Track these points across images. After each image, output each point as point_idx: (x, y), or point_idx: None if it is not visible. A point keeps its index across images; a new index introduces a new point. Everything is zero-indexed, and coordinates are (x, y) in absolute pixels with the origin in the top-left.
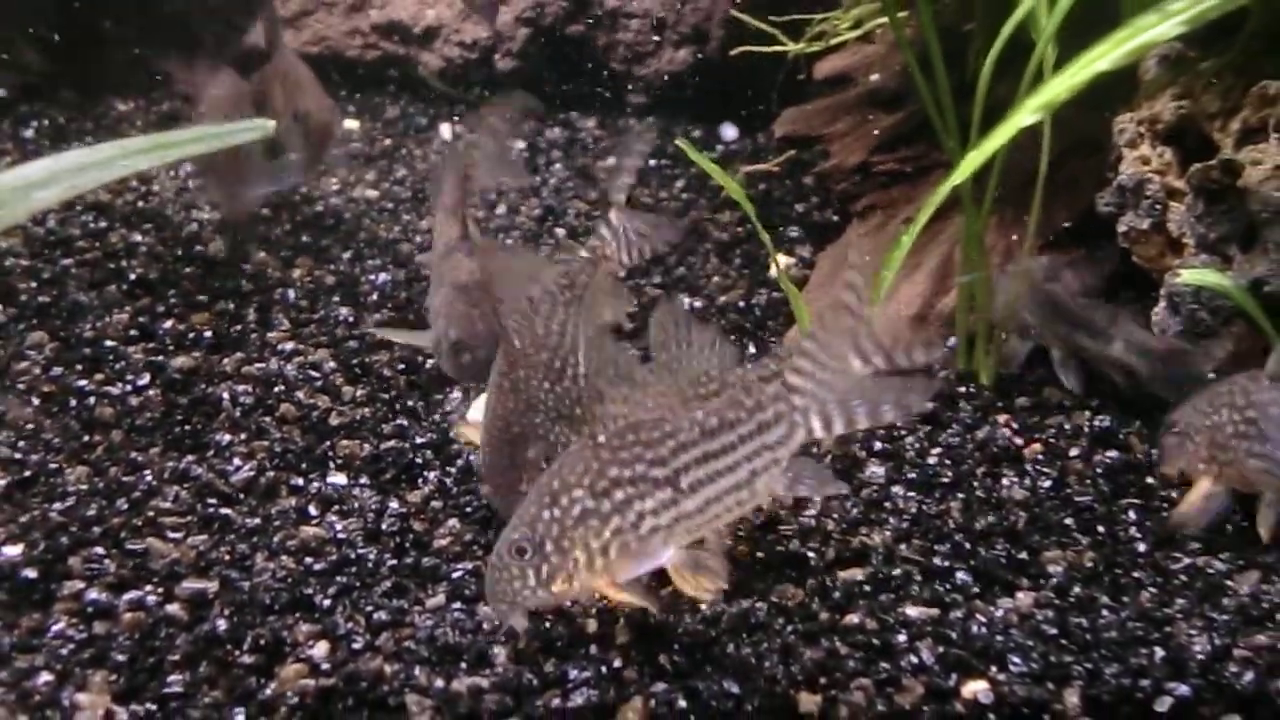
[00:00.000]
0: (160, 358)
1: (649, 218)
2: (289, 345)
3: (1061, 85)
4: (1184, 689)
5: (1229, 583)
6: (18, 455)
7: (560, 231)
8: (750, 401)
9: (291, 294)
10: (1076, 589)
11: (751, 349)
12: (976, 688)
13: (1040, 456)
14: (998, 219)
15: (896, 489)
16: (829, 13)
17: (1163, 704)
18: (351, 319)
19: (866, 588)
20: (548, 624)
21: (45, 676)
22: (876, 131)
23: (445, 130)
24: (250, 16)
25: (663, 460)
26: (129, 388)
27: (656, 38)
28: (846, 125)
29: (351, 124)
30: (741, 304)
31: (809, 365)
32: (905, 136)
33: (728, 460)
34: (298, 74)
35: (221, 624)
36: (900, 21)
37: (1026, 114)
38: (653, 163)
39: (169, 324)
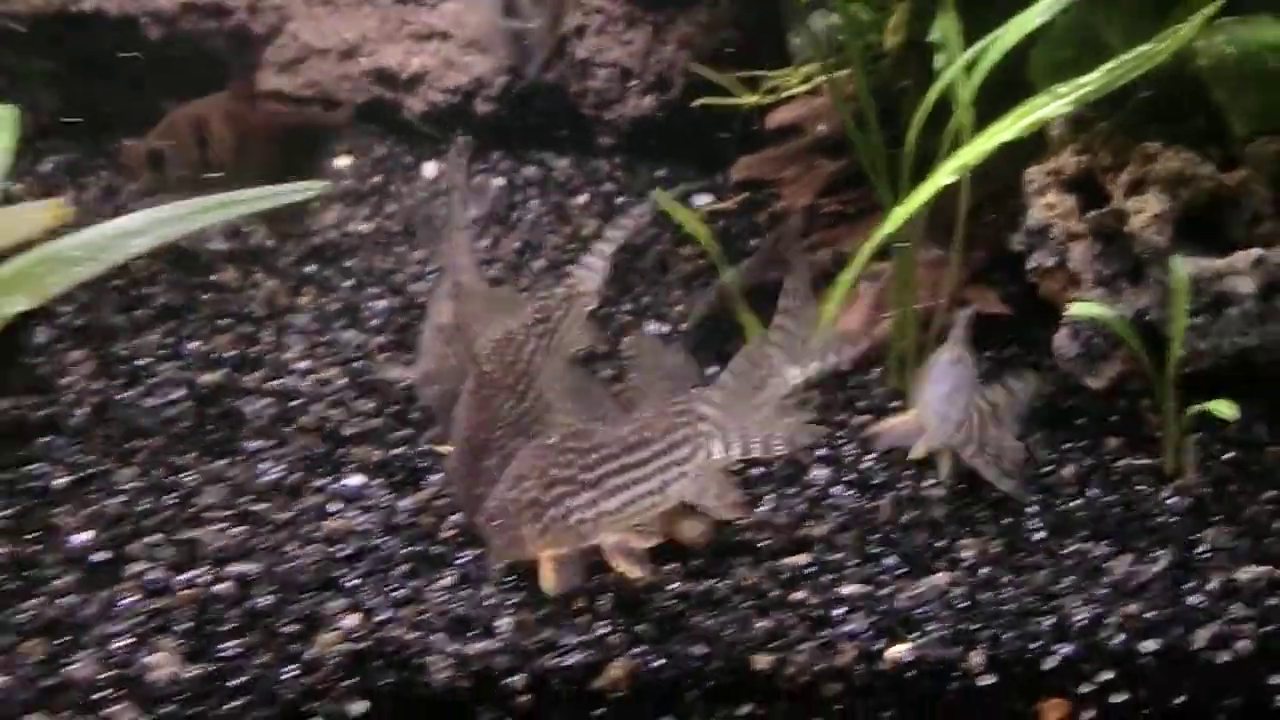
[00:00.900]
0: (189, 374)
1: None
2: (304, 364)
3: (972, 152)
4: (1067, 649)
5: (1107, 564)
6: (72, 458)
7: (538, 264)
8: (664, 424)
9: (302, 319)
10: (984, 570)
11: (714, 367)
12: (900, 649)
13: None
14: (924, 257)
15: (836, 489)
16: (779, 70)
17: (1050, 662)
18: (357, 342)
19: (810, 570)
20: (541, 603)
21: (122, 641)
22: (823, 177)
23: (429, 168)
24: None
25: (590, 467)
26: (164, 400)
27: (624, 85)
28: (796, 171)
29: (343, 162)
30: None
31: (718, 399)
32: (848, 181)
33: (643, 471)
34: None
35: (265, 600)
36: (840, 81)
37: (944, 175)
38: (620, 200)
39: (194, 345)
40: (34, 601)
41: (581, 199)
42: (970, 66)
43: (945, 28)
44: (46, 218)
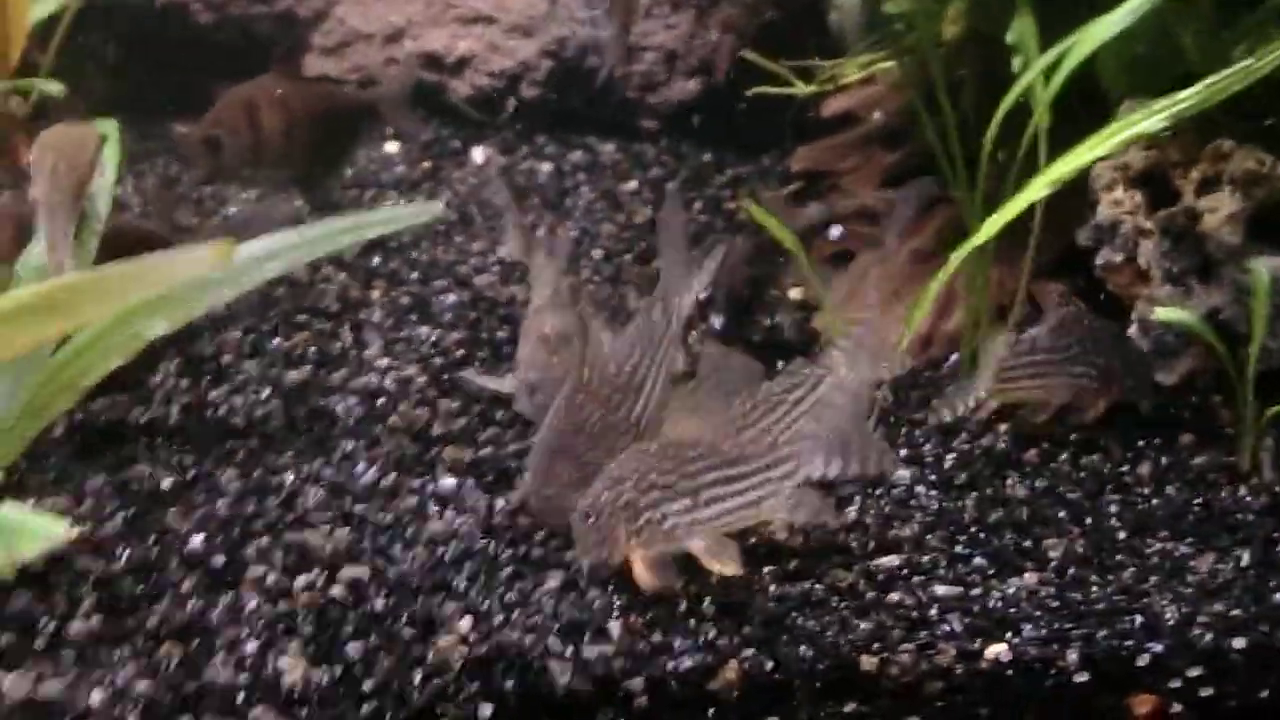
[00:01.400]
0: (274, 371)
1: None
2: (383, 361)
3: (1067, 166)
4: (1158, 647)
5: (1191, 562)
6: (174, 459)
7: (596, 252)
8: (768, 440)
9: (376, 314)
10: (1071, 570)
11: (779, 365)
12: (997, 649)
13: (1036, 460)
14: (994, 252)
15: (920, 489)
16: (825, 53)
17: (1143, 660)
18: (433, 339)
19: (903, 571)
20: (645, 607)
21: (251, 644)
22: (883, 168)
23: (477, 154)
24: (298, 44)
25: (690, 475)
26: (253, 399)
27: (669, 69)
28: (854, 162)
29: (391, 147)
30: (767, 322)
31: (825, 418)
32: (909, 172)
33: (742, 484)
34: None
35: (380, 603)
36: (894, 68)
37: (1038, 189)
38: (670, 186)
39: (276, 341)
40: (163, 605)
41: (631, 184)
42: (1048, 70)
43: (1023, 29)
44: (210, 259)
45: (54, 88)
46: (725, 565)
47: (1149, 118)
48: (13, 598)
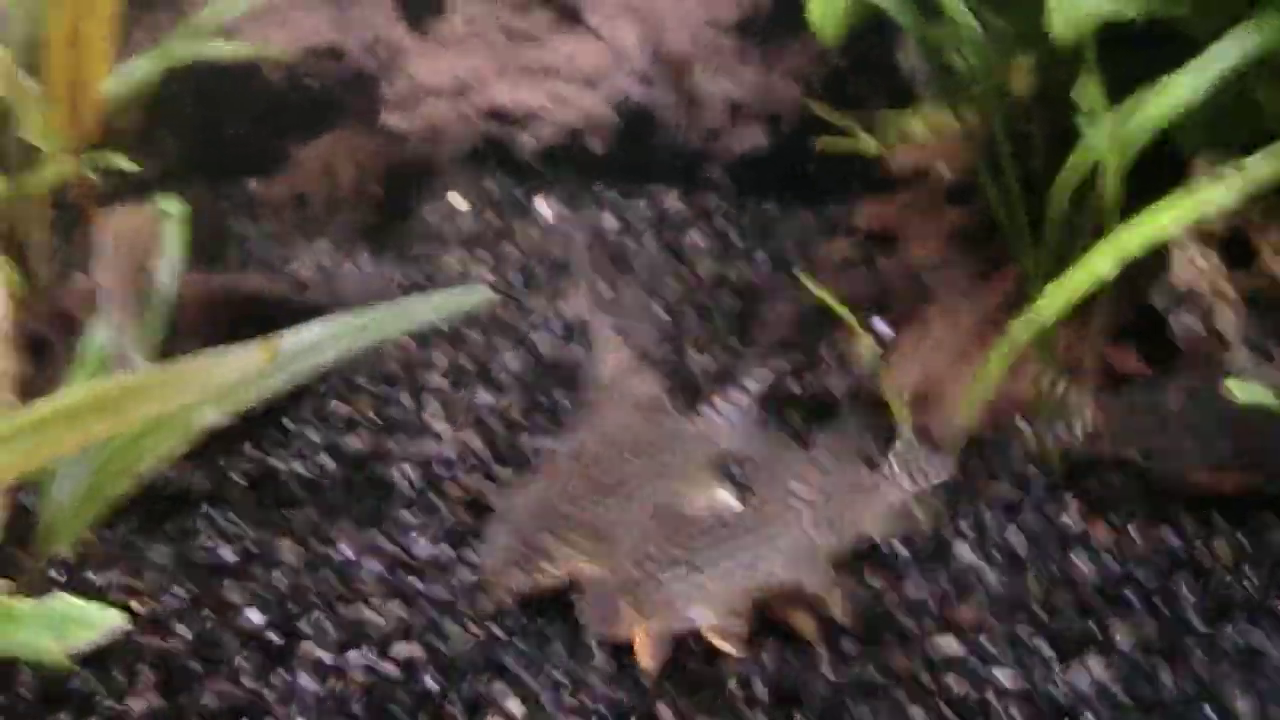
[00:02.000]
0: (335, 438)
1: None
2: (442, 427)
3: (1134, 240)
4: None
5: (1269, 650)
6: (235, 529)
7: (657, 307)
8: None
9: (436, 378)
10: (1139, 657)
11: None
12: None
13: (1105, 536)
14: (1063, 314)
15: (982, 566)
16: (891, 103)
17: None
18: (491, 404)
19: (961, 656)
20: (697, 687)
21: None
22: (950, 226)
23: (541, 206)
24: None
25: (681, 543)
26: (314, 466)
27: (733, 119)
28: (921, 220)
29: (457, 201)
30: (824, 383)
31: (813, 479)
32: (978, 231)
33: (735, 546)
34: None
35: (430, 683)
36: (965, 120)
37: (1104, 263)
38: (733, 237)
39: (334, 404)
40: (219, 683)
41: (695, 237)
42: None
43: (1088, 88)
44: (258, 359)
45: (125, 164)
46: (727, 643)
47: (1221, 188)
48: (72, 674)
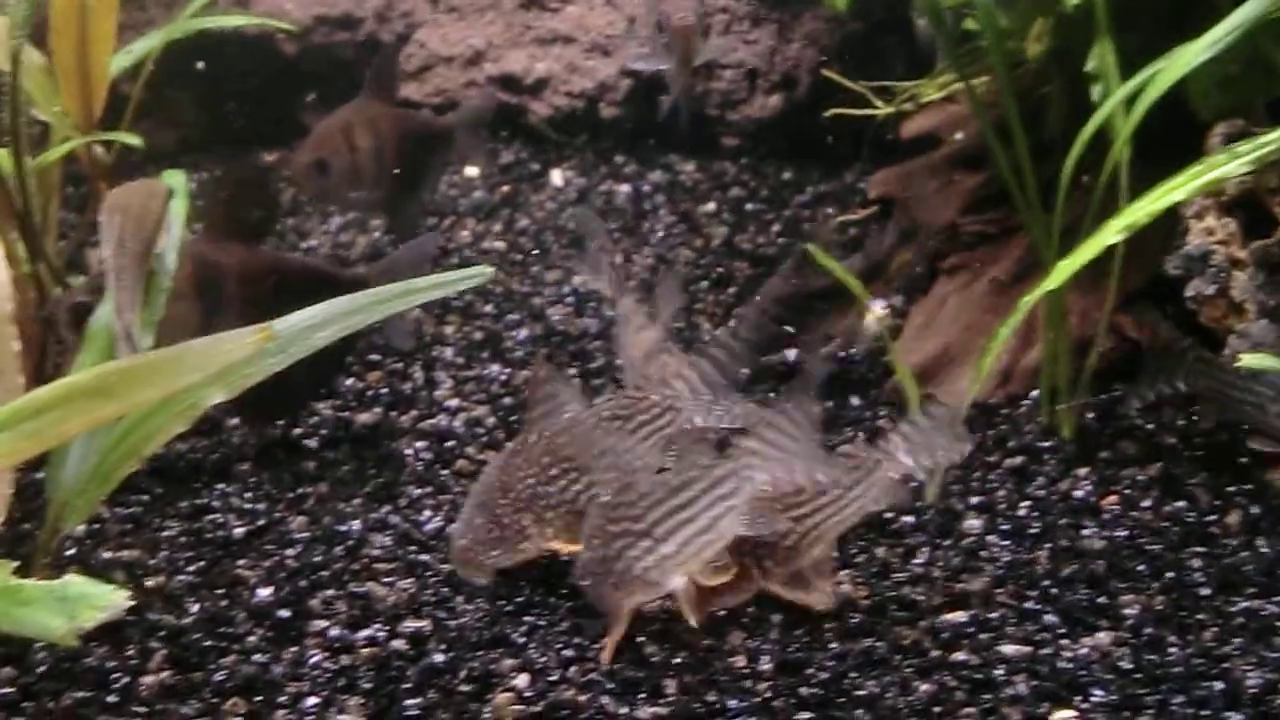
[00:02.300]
0: (347, 413)
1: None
2: (454, 402)
3: (1142, 211)
4: (1238, 718)
5: (1279, 624)
6: (247, 505)
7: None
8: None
9: (449, 351)
10: (1148, 629)
11: (855, 399)
12: (1064, 715)
13: (1116, 508)
14: (1076, 282)
15: (991, 538)
16: (908, 70)
17: None
18: (503, 377)
19: (969, 629)
20: (703, 664)
21: (313, 700)
22: (963, 193)
23: (556, 176)
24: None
25: (639, 516)
26: (325, 442)
27: (750, 86)
28: (934, 186)
29: (471, 170)
30: (841, 354)
31: (767, 436)
32: (990, 198)
33: (691, 511)
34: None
35: (439, 657)
36: (977, 86)
37: (1111, 234)
38: (749, 206)
39: (350, 381)
40: (230, 659)
41: (710, 205)
42: (1130, 99)
43: (1102, 57)
44: (255, 342)
45: (133, 140)
46: (689, 613)
47: (1232, 160)
48: (88, 650)
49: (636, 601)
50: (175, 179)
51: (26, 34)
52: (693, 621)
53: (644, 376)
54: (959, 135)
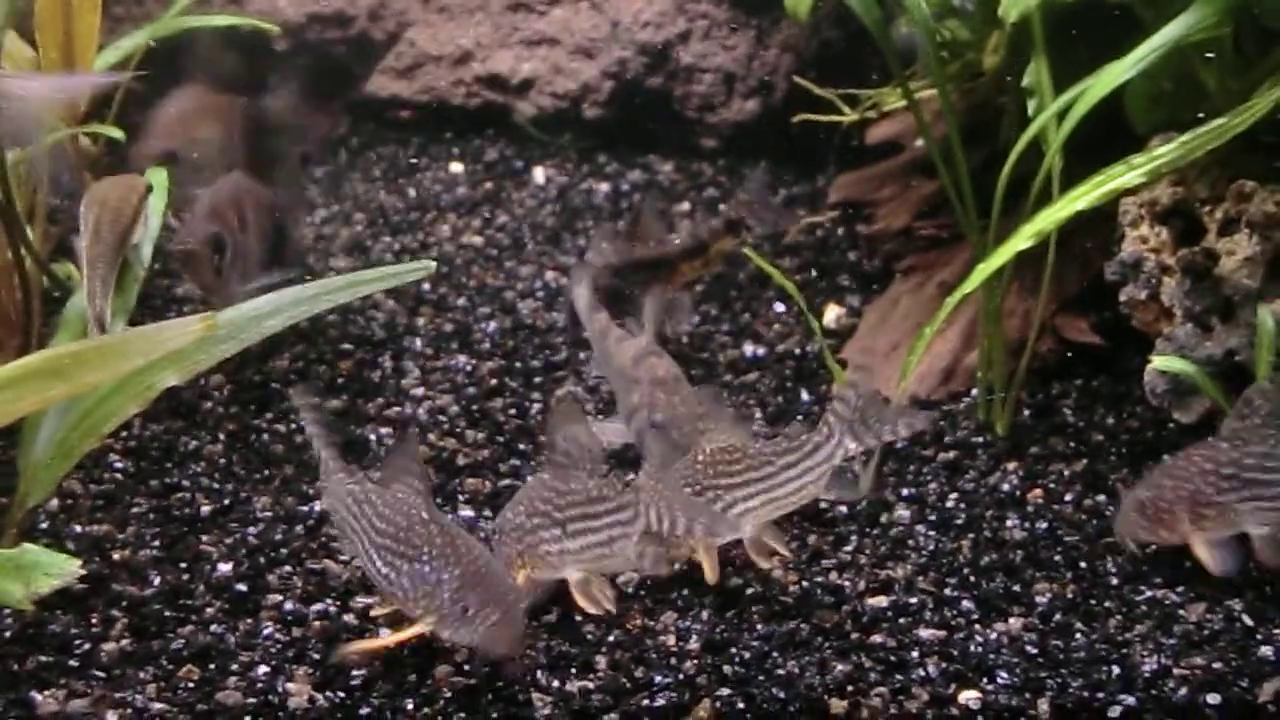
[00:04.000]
0: (316, 399)
1: None
2: (419, 391)
3: (1050, 219)
4: (1131, 700)
5: (1180, 612)
6: (215, 485)
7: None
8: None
9: (418, 342)
10: (1057, 616)
11: (805, 395)
12: (969, 696)
13: (1040, 501)
14: (1018, 285)
15: (919, 528)
16: (882, 77)
17: (1114, 712)
18: (468, 368)
19: (889, 613)
20: (636, 642)
21: (263, 669)
22: (919, 198)
23: (539, 173)
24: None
25: (560, 508)
26: (294, 426)
27: (727, 90)
28: (892, 191)
29: (456, 167)
30: (797, 351)
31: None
32: (945, 203)
33: (597, 523)
34: None
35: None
36: (934, 97)
37: (1023, 240)
38: (723, 206)
39: (321, 369)
40: (188, 629)
41: (684, 205)
42: (1063, 113)
43: (1037, 72)
44: (198, 330)
45: (116, 134)
46: (589, 604)
47: (1129, 171)
48: (54, 618)
49: (536, 576)
50: (158, 176)
51: (5, 30)
52: (591, 610)
53: (633, 379)
54: (919, 142)
